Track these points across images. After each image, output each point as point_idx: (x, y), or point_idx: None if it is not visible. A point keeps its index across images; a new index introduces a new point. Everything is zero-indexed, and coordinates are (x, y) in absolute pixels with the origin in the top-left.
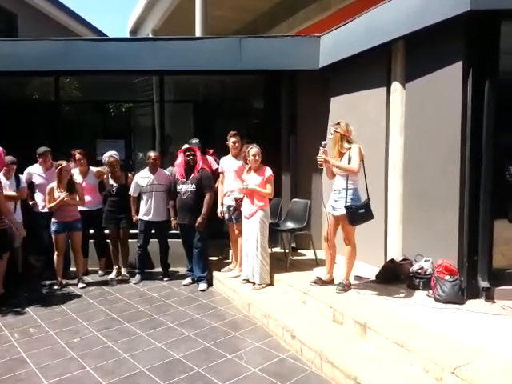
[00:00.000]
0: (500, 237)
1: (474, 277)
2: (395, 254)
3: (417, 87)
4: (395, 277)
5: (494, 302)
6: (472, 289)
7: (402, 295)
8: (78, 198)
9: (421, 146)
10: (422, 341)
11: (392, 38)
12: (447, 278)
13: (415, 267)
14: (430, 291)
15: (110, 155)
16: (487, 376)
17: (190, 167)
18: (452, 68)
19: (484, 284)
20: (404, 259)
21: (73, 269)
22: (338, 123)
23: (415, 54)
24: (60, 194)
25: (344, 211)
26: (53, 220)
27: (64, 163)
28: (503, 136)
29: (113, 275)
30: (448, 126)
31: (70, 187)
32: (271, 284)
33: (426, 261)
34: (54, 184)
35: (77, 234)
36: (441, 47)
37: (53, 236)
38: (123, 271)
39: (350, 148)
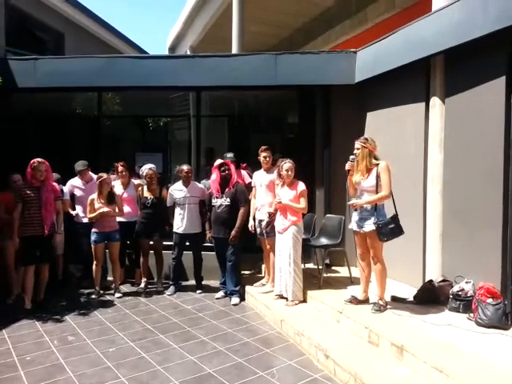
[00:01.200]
0: None
1: None
2: (434, 274)
3: (457, 102)
4: (434, 298)
5: None
6: None
7: (441, 318)
8: (117, 210)
9: (462, 162)
10: (462, 366)
11: (431, 53)
12: (489, 301)
13: (455, 289)
14: (471, 314)
15: (149, 168)
16: None
17: (225, 182)
18: (495, 83)
19: None
20: (443, 280)
21: (110, 278)
22: (366, 139)
23: (455, 68)
24: (100, 205)
25: (371, 227)
26: (93, 230)
27: (105, 175)
28: None
29: (142, 286)
30: (490, 141)
31: (110, 199)
32: (304, 301)
33: (466, 282)
34: (95, 195)
35: (115, 244)
36: (482, 61)
37: (92, 246)
38: (158, 283)
39: (377, 164)
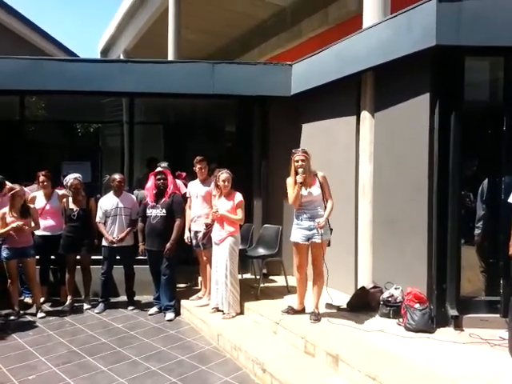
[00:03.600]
0: (466, 263)
1: (443, 305)
2: (366, 281)
3: (385, 117)
4: (366, 305)
5: (463, 330)
6: (441, 317)
7: (373, 324)
8: (32, 224)
9: (390, 174)
10: (393, 372)
11: (361, 69)
12: (417, 306)
13: (385, 295)
14: (401, 319)
15: (74, 177)
16: None
17: (160, 191)
18: (420, 99)
19: (453, 312)
20: (374, 287)
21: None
22: (306, 151)
23: (384, 84)
24: (13, 219)
25: (324, 237)
26: (3, 246)
27: (17, 187)
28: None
29: (67, 305)
30: (416, 154)
31: (24, 212)
32: (241, 313)
33: (396, 288)
34: (7, 209)
35: (30, 260)
36: (409, 79)
37: (4, 263)
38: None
39: (315, 174)
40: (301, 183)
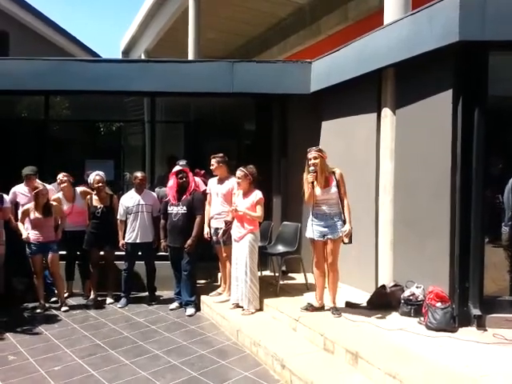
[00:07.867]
0: (490, 262)
1: (466, 304)
2: (386, 279)
3: (407, 113)
4: (386, 303)
5: (486, 330)
6: (463, 316)
7: (394, 322)
8: (59, 221)
9: (411, 171)
10: (414, 371)
11: (382, 66)
12: (438, 305)
13: (406, 293)
14: (422, 318)
15: (96, 174)
16: None
17: (182, 189)
18: (442, 96)
19: (475, 311)
20: (395, 285)
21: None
22: (320, 148)
23: (405, 81)
24: (37, 216)
25: (340, 234)
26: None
27: (41, 186)
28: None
29: (91, 299)
30: (438, 152)
31: (47, 210)
32: (261, 309)
33: (417, 287)
34: (31, 205)
35: (52, 255)
36: (431, 75)
37: (29, 258)
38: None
39: (333, 172)
40: (312, 182)
